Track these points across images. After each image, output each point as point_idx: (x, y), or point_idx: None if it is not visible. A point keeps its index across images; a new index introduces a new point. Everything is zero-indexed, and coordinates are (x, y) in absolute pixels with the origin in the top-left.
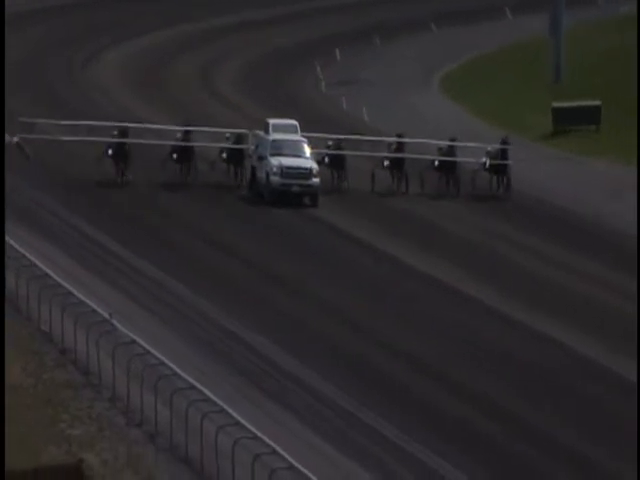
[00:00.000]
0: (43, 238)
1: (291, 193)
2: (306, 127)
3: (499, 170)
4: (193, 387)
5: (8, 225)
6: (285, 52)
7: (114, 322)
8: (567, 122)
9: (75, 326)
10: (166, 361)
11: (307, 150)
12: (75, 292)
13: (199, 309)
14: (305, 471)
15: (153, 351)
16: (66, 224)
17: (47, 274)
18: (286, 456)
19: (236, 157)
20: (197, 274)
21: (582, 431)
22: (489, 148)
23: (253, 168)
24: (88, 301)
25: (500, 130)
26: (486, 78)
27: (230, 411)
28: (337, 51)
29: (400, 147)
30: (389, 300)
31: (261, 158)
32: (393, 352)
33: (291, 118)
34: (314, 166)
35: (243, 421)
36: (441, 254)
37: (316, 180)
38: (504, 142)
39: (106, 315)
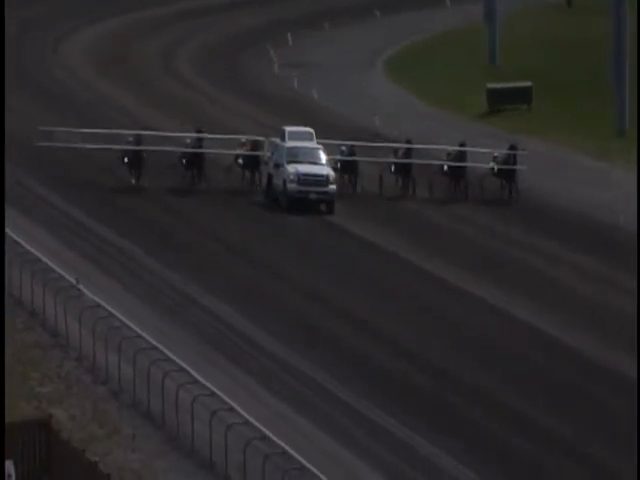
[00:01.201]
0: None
1: (308, 200)
2: (260, 105)
3: (507, 175)
4: (155, 348)
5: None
6: (241, 36)
7: (80, 287)
8: (501, 102)
9: (44, 290)
10: (129, 323)
11: (323, 157)
12: (44, 259)
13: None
14: (260, 426)
15: (117, 314)
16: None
17: (17, 242)
18: (242, 413)
19: (252, 163)
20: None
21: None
22: (496, 153)
23: (269, 175)
24: (56, 268)
25: (438, 109)
26: (426, 61)
27: (190, 370)
28: (289, 35)
29: (408, 152)
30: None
31: (278, 165)
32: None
33: (243, 93)
34: (330, 173)
35: (202, 380)
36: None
37: (332, 187)
38: (512, 147)
39: (73, 281)
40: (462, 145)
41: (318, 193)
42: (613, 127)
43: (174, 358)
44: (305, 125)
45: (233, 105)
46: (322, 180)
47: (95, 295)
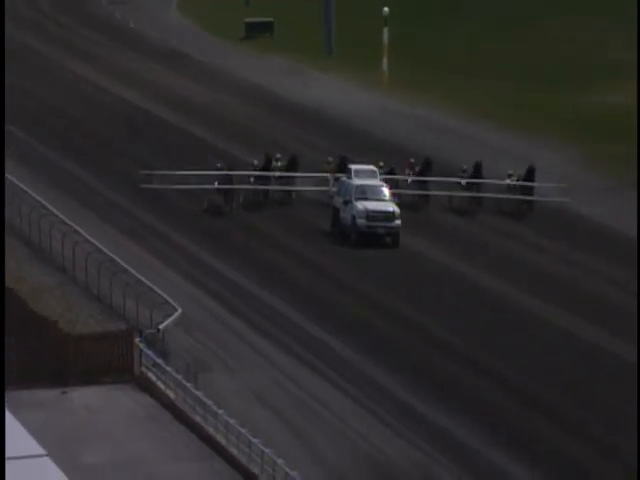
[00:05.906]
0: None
1: (376, 234)
2: (91, 29)
3: (522, 191)
4: (44, 207)
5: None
6: None
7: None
8: (253, 31)
9: None
10: (27, 189)
11: (387, 194)
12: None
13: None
14: (97, 243)
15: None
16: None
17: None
18: (85, 234)
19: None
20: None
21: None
22: (510, 172)
23: (336, 210)
24: None
25: (211, 35)
26: (205, 2)
27: (60, 215)
28: None
29: (425, 169)
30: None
31: (346, 202)
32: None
33: (80, 21)
34: (396, 209)
35: (69, 221)
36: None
37: (398, 222)
38: (530, 169)
39: None
40: (478, 165)
41: (385, 228)
42: (324, 49)
43: (51, 208)
44: (123, 41)
45: (73, 27)
46: (389, 215)
47: None
